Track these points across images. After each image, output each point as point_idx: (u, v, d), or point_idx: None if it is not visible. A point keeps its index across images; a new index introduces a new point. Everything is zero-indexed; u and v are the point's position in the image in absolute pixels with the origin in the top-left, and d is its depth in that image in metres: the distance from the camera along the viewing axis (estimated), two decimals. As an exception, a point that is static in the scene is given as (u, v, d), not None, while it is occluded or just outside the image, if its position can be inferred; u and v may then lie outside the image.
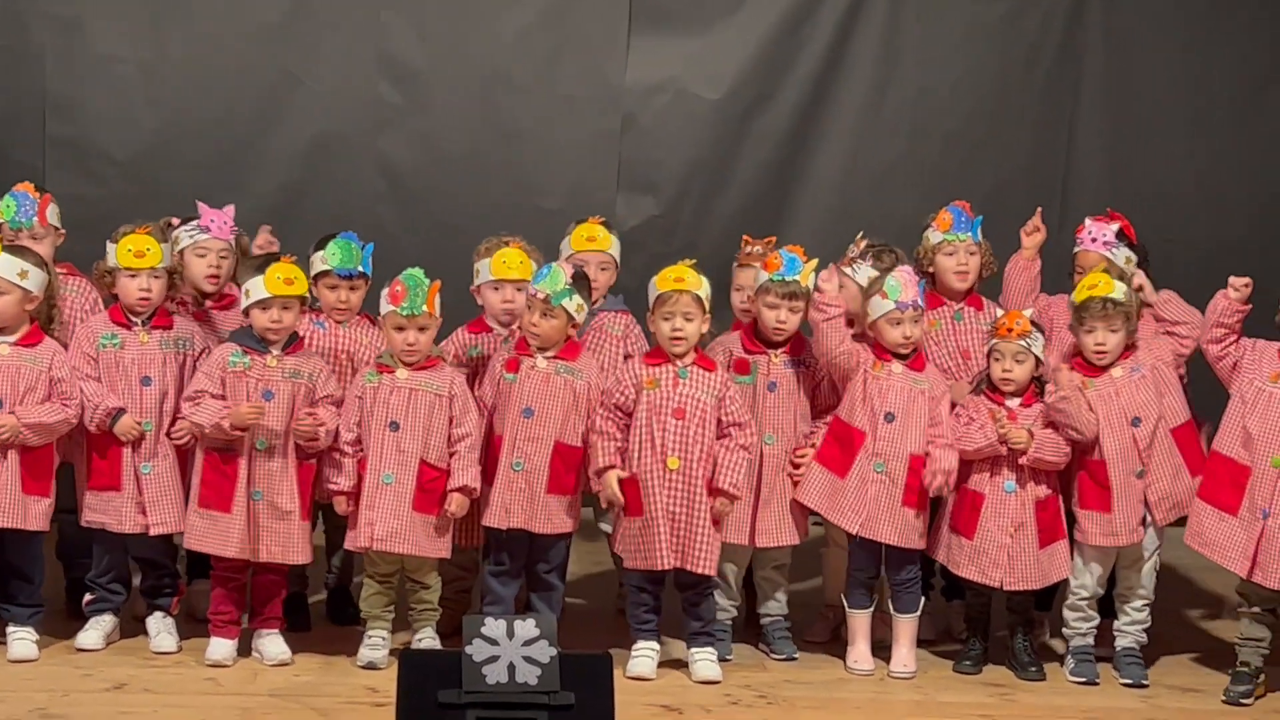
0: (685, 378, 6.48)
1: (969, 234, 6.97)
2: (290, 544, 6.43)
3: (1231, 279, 6.55)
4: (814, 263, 6.70)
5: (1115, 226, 6.94)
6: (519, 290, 6.72)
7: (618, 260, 7.05)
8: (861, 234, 7.00)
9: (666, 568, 6.44)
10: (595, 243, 6.97)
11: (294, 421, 6.38)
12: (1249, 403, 6.51)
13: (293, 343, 6.49)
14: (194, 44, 8.67)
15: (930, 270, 7.01)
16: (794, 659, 6.76)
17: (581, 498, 6.63)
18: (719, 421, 6.47)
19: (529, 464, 6.49)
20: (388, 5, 8.73)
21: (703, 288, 6.50)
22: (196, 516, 6.44)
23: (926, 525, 6.67)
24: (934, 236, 7.00)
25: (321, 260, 6.69)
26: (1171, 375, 6.74)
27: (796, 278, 6.66)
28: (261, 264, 6.43)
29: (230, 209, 6.97)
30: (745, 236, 7.08)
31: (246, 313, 6.46)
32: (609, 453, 6.46)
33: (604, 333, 6.93)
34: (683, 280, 6.49)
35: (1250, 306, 6.55)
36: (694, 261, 6.62)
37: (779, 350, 6.75)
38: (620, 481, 6.44)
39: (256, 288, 6.39)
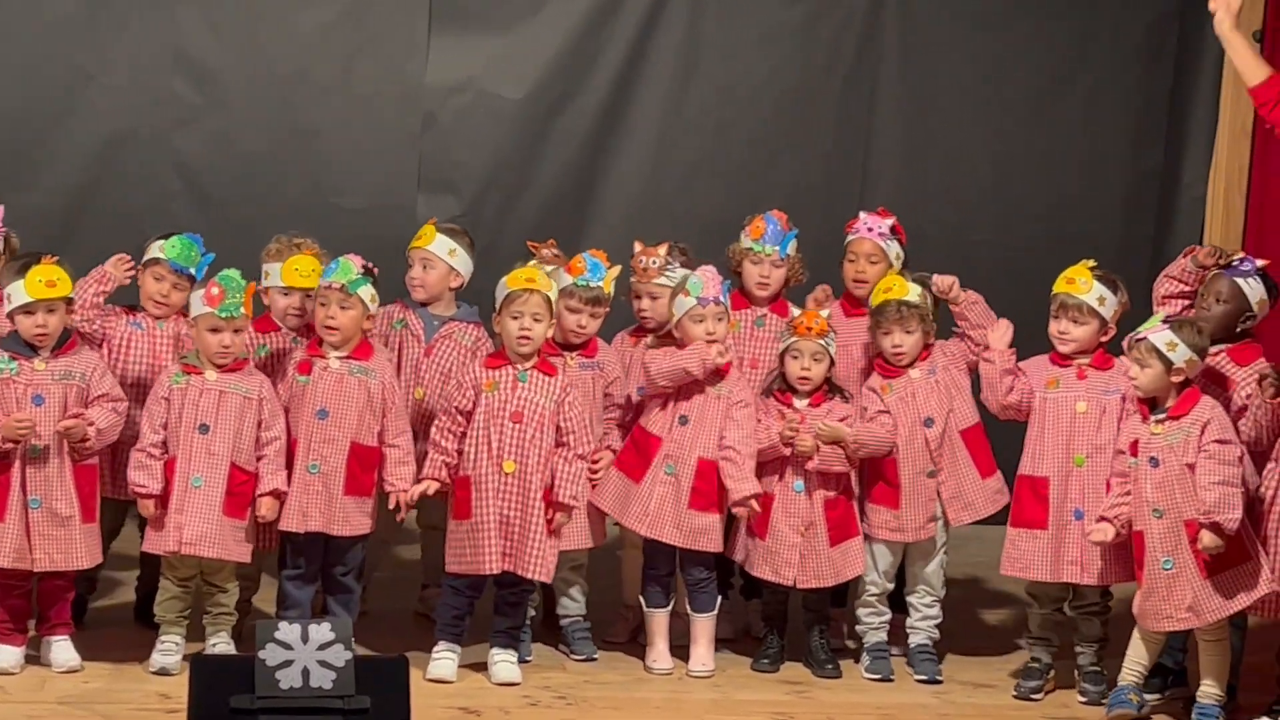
0: (525, 381, 6.44)
1: (776, 247, 6.96)
2: (72, 550, 6.28)
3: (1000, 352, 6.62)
4: (617, 269, 6.72)
5: (890, 221, 7.02)
6: (309, 297, 6.66)
7: (456, 266, 6.89)
8: (639, 244, 6.97)
9: (493, 572, 6.41)
10: (419, 240, 6.91)
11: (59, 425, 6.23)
12: (1036, 416, 6.60)
13: (65, 342, 6.34)
14: (-18, 37, 8.50)
15: (737, 271, 7.04)
16: (594, 659, 6.76)
17: (378, 500, 6.58)
18: (558, 428, 6.46)
19: (325, 466, 6.43)
20: (182, 1, 8.57)
21: (552, 290, 6.48)
22: (-26, 526, 6.30)
23: (722, 527, 6.69)
24: (745, 241, 6.99)
25: (160, 249, 6.58)
26: (963, 378, 6.84)
27: (600, 283, 6.67)
28: (22, 266, 6.26)
29: None
30: (551, 240, 7.05)
31: (11, 317, 6.30)
32: (435, 465, 6.42)
33: (453, 341, 6.83)
34: (533, 281, 6.43)
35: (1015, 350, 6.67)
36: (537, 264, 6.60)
37: (574, 353, 6.74)
38: (440, 488, 6.40)
39: (18, 292, 6.22)
